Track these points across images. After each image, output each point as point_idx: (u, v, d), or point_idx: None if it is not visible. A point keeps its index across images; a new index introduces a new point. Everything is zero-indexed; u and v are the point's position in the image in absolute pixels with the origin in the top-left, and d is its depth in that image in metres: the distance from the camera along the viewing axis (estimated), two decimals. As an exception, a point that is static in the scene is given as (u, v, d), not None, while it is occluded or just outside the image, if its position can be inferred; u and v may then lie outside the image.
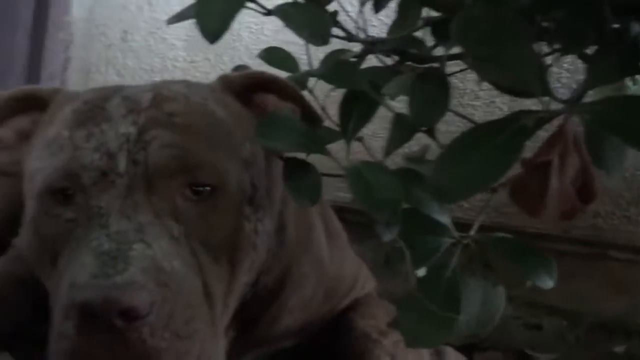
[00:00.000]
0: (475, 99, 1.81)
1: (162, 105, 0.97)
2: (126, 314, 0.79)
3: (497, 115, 1.79)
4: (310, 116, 1.05)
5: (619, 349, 1.63)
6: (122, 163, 0.91)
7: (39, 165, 0.99)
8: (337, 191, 1.78)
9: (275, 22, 2.07)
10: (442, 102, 0.88)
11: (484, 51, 0.74)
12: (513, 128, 0.72)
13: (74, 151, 0.93)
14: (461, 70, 1.03)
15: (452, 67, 0.97)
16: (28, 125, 1.10)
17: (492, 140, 0.73)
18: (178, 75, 2.24)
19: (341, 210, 1.41)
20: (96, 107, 0.98)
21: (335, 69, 1.00)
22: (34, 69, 2.38)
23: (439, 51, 1.00)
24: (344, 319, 1.26)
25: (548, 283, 0.92)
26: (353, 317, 1.26)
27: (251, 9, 1.00)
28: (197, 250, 0.92)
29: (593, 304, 1.66)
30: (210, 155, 0.96)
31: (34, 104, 1.10)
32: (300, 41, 1.03)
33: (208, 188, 0.93)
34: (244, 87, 1.09)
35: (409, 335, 0.86)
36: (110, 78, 2.36)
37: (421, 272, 0.93)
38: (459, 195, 0.77)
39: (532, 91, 0.75)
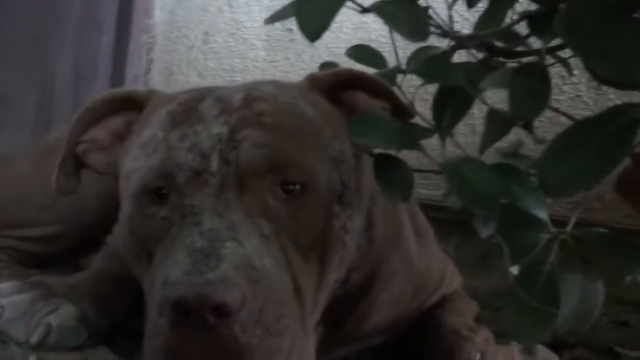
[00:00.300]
0: (560, 93, 1.78)
1: (252, 105, 0.99)
2: (218, 310, 0.80)
3: (581, 109, 1.77)
4: (401, 112, 1.05)
5: None
6: (214, 163, 0.93)
7: (135, 165, 1.01)
8: (419, 188, 1.79)
9: (353, 20, 2.10)
10: (543, 96, 0.87)
11: (590, 45, 0.74)
12: (621, 122, 0.71)
13: (168, 151, 0.95)
14: (552, 64, 1.02)
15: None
16: (122, 126, 1.13)
17: (600, 134, 0.72)
18: (258, 75, 2.25)
19: (423, 208, 1.41)
20: (190, 108, 1.00)
21: (430, 65, 1.00)
22: (118, 71, 2.43)
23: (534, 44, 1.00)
24: (432, 315, 1.26)
25: (648, 278, 0.90)
26: (442, 313, 1.26)
27: (350, 7, 1.00)
28: (287, 248, 0.93)
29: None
30: (299, 154, 0.96)
31: (128, 105, 1.12)
32: (378, 38, 1.04)
33: (298, 187, 0.94)
34: (333, 85, 1.09)
35: (512, 329, 0.86)
36: (191, 79, 2.39)
37: (514, 270, 0.93)
38: (566, 192, 0.77)
39: (640, 84, 0.74)
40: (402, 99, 1.07)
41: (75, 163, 1.13)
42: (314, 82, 1.09)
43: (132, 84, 2.42)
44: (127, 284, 1.22)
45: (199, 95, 1.03)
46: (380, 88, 1.07)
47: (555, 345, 1.32)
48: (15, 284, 1.12)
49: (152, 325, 0.87)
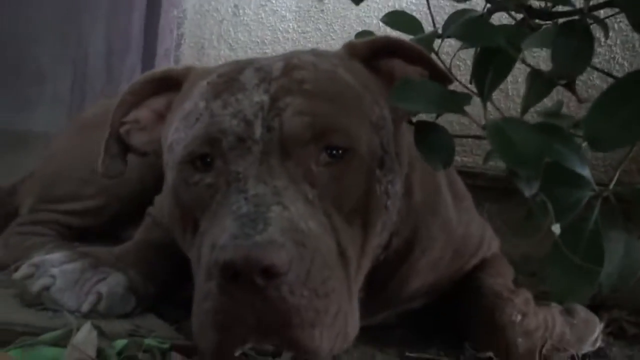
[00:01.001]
0: (595, 55, 1.76)
1: (292, 74, 0.99)
2: (267, 272, 0.80)
3: (616, 72, 1.76)
4: (439, 78, 1.05)
5: None
6: (258, 130, 0.93)
7: (178, 136, 1.02)
8: (458, 155, 1.78)
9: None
10: (586, 55, 0.87)
11: None
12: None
13: (212, 118, 0.96)
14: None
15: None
16: (163, 106, 1.14)
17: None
18: (289, 47, 2.25)
19: (460, 174, 1.41)
20: (230, 79, 1.01)
21: (469, 27, 1.00)
22: (149, 46, 2.44)
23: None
24: (472, 278, 1.27)
25: (688, 238, 0.90)
26: (481, 276, 1.26)
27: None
28: (331, 213, 0.93)
29: None
30: (341, 120, 0.97)
31: (168, 84, 1.14)
32: (409, 6, 1.04)
33: (340, 152, 0.94)
34: (370, 52, 1.09)
35: (556, 287, 0.86)
36: (222, 52, 2.39)
37: (556, 229, 0.93)
38: (612, 145, 0.77)
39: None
40: (440, 64, 1.08)
41: (120, 145, 1.15)
42: (351, 50, 1.09)
43: (163, 59, 2.42)
44: (170, 253, 1.23)
45: (239, 67, 1.04)
46: (417, 54, 1.07)
47: (593, 307, 1.32)
48: (65, 254, 1.13)
49: (201, 290, 0.88)
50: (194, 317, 0.92)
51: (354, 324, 0.94)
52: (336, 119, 0.96)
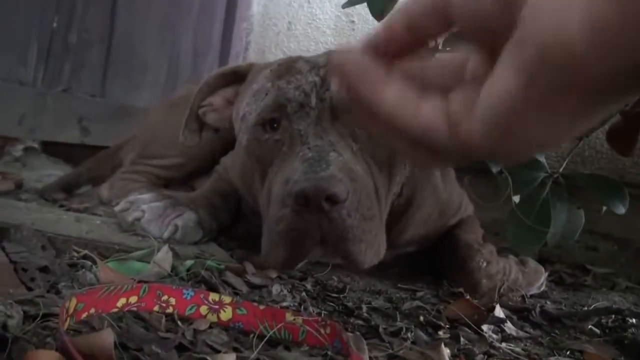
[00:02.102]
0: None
1: None
2: (331, 199, 0.84)
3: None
4: None
5: (661, 269, 1.56)
6: (313, 100, 0.96)
7: (249, 108, 1.03)
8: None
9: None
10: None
11: None
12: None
13: (279, 91, 0.99)
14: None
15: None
16: (231, 94, 1.15)
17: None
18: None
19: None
20: (288, 67, 1.03)
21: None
22: (225, 49, 2.44)
23: None
24: (451, 233, 1.25)
25: (620, 209, 0.88)
26: (458, 232, 1.25)
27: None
28: (368, 163, 0.97)
29: (639, 233, 1.59)
30: None
31: (235, 78, 1.15)
32: None
33: None
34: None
35: (513, 241, 0.85)
36: (278, 57, 2.38)
37: (516, 199, 0.91)
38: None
39: None
40: None
41: (197, 123, 1.17)
42: None
43: (234, 60, 2.42)
44: (231, 200, 1.24)
45: (292, 60, 1.06)
46: None
47: (541, 261, 1.31)
48: (152, 195, 1.14)
49: (276, 216, 0.90)
50: (265, 240, 0.96)
51: (383, 245, 0.98)
52: None
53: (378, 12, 0.92)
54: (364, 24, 2.15)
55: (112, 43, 2.13)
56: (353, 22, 2.22)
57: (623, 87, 0.28)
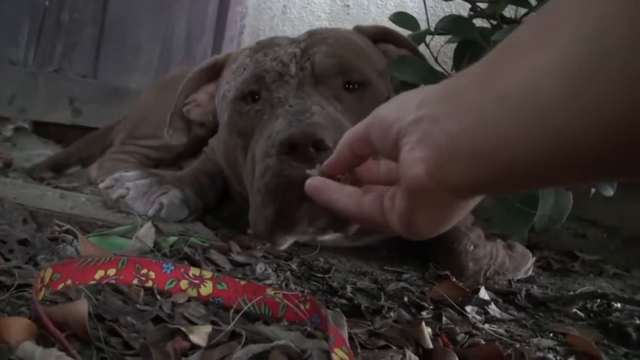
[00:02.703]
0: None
1: (315, 35, 1.02)
2: (317, 145, 0.79)
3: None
4: (418, 57, 1.09)
5: (648, 256, 1.56)
6: (292, 69, 0.95)
7: (229, 86, 1.02)
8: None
9: (396, 0, 2.03)
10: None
11: None
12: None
13: (256, 64, 0.97)
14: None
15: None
16: (213, 89, 1.15)
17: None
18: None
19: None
20: (267, 42, 1.03)
21: (453, 23, 0.97)
22: (219, 33, 2.42)
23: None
24: (440, 217, 1.25)
25: (609, 191, 0.87)
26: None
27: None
28: (353, 122, 0.90)
29: (628, 221, 1.59)
30: (358, 62, 0.98)
31: (216, 71, 1.14)
32: (413, 14, 1.04)
33: (357, 85, 0.96)
34: (373, 35, 1.11)
35: (501, 223, 0.84)
36: (272, 41, 2.37)
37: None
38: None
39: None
40: (418, 48, 1.10)
41: (184, 121, 1.16)
42: (360, 30, 1.13)
43: (229, 43, 2.40)
44: (217, 179, 1.23)
45: (272, 37, 1.06)
46: (404, 41, 1.10)
47: (529, 246, 1.30)
48: (138, 172, 1.13)
49: (261, 168, 0.86)
50: (252, 211, 0.92)
51: None
52: (355, 62, 0.98)
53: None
54: (359, 8, 2.14)
55: (105, 23, 2.11)
56: (348, 6, 2.20)
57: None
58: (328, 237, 1.01)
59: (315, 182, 0.60)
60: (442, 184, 0.42)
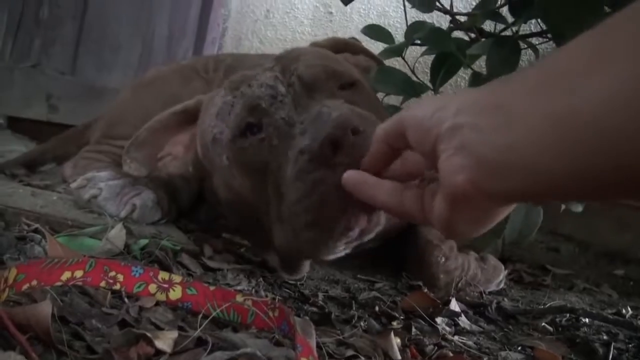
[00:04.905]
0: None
1: (286, 57, 0.94)
2: (355, 131, 0.71)
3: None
4: (375, 59, 1.10)
5: (618, 272, 1.58)
6: (281, 88, 0.87)
7: (219, 128, 0.93)
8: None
9: (377, 9, 2.04)
10: (513, 62, 0.85)
11: (563, 16, 0.71)
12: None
13: (244, 97, 0.89)
14: (524, 48, 0.98)
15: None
16: (188, 139, 1.07)
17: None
18: (305, 45, 2.23)
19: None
20: (240, 78, 0.95)
21: (430, 35, 0.97)
22: (200, 34, 2.40)
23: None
24: (413, 229, 1.25)
25: (578, 208, 0.88)
26: (420, 227, 1.24)
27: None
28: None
29: (600, 237, 1.61)
30: (341, 67, 0.95)
31: (187, 117, 1.06)
32: (395, 24, 1.04)
33: (349, 85, 0.91)
34: (331, 47, 1.09)
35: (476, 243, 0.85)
36: (254, 44, 2.36)
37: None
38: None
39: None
40: (372, 51, 1.12)
41: (146, 157, 1.07)
42: (319, 45, 1.11)
43: (210, 45, 2.39)
44: (192, 182, 1.21)
45: (241, 73, 0.97)
46: (358, 48, 1.11)
47: (501, 260, 1.31)
48: (111, 173, 1.12)
49: (293, 178, 0.77)
50: (286, 231, 0.81)
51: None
52: (337, 67, 0.93)
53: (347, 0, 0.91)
54: (342, 15, 2.14)
55: (85, 20, 2.08)
56: (331, 13, 2.21)
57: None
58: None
59: (354, 175, 0.60)
60: (485, 192, 0.43)
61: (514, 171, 0.40)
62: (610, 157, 0.35)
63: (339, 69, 0.92)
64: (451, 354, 0.78)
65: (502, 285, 1.23)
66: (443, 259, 1.14)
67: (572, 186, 0.38)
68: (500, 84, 0.45)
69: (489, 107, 0.43)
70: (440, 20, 1.56)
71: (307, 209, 0.75)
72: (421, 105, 0.51)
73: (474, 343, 0.87)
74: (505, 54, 0.84)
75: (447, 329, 0.90)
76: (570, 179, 0.38)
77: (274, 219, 0.85)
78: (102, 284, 0.72)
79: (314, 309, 0.87)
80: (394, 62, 1.38)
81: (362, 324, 0.83)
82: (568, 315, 1.07)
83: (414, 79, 1.05)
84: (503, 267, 1.25)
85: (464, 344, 0.85)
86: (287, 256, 0.88)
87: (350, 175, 0.61)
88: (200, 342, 0.62)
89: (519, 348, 0.90)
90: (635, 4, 0.35)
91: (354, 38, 1.22)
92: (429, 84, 1.00)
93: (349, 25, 2.15)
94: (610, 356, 0.91)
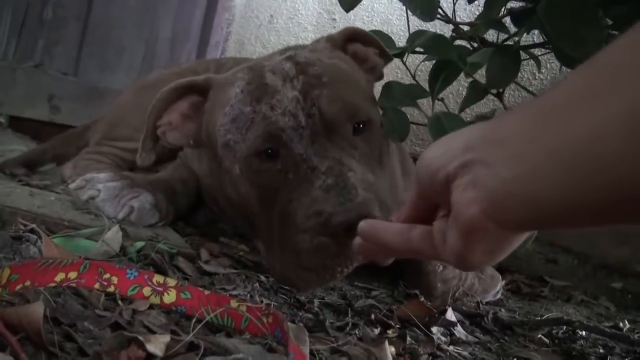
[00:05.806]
0: (530, 86, 1.74)
1: (307, 71, 0.97)
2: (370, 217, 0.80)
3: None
4: (384, 54, 1.11)
5: (616, 285, 1.58)
6: (302, 118, 0.92)
7: (234, 137, 0.97)
8: (414, 146, 1.76)
9: (381, 17, 2.04)
10: (513, 71, 0.85)
11: (563, 27, 0.71)
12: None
13: (266, 120, 0.93)
14: (525, 59, 0.98)
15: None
16: (187, 107, 1.09)
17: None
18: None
19: (414, 158, 1.39)
20: (259, 84, 0.97)
21: (432, 42, 0.97)
22: (204, 39, 2.41)
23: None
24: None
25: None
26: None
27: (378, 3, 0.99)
28: (369, 164, 0.96)
29: (599, 249, 1.61)
30: (359, 101, 0.98)
31: (190, 91, 1.08)
32: (398, 32, 1.04)
33: (363, 125, 0.96)
34: (344, 41, 1.11)
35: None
36: (257, 49, 2.36)
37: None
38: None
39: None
40: (383, 45, 1.12)
41: (154, 141, 1.10)
42: (332, 42, 1.11)
43: (214, 49, 2.40)
44: (191, 186, 1.22)
45: (257, 72, 1.00)
46: (369, 39, 1.12)
47: (499, 270, 1.31)
48: (109, 174, 1.11)
49: (310, 246, 0.86)
50: (286, 263, 0.91)
51: None
52: (356, 101, 0.97)
53: (348, 7, 0.91)
54: (345, 22, 2.14)
55: (89, 21, 2.09)
56: (334, 19, 2.21)
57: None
58: None
59: (366, 226, 0.60)
60: (497, 222, 0.44)
61: (521, 202, 0.42)
62: (615, 188, 0.36)
63: (358, 107, 0.96)
64: (446, 364, 0.78)
65: (499, 296, 1.23)
66: (440, 268, 1.14)
67: (574, 215, 0.39)
68: (504, 119, 0.46)
69: (495, 142, 0.44)
70: (443, 29, 1.57)
71: (306, 255, 0.86)
72: (430, 151, 0.52)
73: (469, 353, 0.87)
74: (505, 63, 0.84)
75: (443, 338, 0.90)
76: (578, 210, 0.39)
77: (275, 240, 0.94)
78: (96, 285, 0.72)
79: (309, 316, 0.87)
80: (396, 71, 1.39)
81: (356, 331, 0.83)
82: (565, 327, 1.06)
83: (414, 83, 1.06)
84: (500, 278, 1.25)
85: (459, 354, 0.85)
86: (279, 278, 0.96)
87: (363, 226, 0.61)
88: (192, 347, 0.62)
89: (515, 359, 0.89)
90: (629, 32, 0.36)
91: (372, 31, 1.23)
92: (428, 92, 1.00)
93: (352, 31, 2.15)
94: (606, 369, 0.90)
